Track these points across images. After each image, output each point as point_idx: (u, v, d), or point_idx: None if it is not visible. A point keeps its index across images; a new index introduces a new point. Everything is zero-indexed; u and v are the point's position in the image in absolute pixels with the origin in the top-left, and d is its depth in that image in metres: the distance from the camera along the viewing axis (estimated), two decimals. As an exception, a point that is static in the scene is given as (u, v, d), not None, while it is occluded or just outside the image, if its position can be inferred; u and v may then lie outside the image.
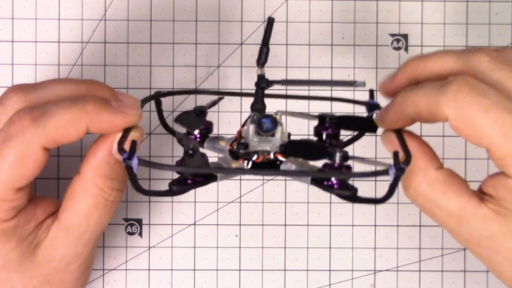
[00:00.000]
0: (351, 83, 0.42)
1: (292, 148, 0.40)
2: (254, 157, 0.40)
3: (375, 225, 0.52)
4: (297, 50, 0.52)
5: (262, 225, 0.52)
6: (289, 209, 0.52)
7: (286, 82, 0.42)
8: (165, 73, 0.52)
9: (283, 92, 0.46)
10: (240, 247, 0.52)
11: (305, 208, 0.52)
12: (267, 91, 0.42)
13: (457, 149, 0.52)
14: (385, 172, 0.36)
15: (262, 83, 0.41)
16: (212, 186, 0.41)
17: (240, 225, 0.52)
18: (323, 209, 0.52)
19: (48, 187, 0.51)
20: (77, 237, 0.42)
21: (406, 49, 0.52)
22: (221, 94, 0.45)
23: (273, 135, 0.40)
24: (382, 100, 0.43)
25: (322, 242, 0.52)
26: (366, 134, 0.45)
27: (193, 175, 0.39)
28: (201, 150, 0.40)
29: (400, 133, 0.40)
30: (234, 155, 0.41)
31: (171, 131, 0.45)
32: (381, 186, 0.51)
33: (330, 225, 0.52)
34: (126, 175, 0.41)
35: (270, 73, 0.42)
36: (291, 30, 0.52)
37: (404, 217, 0.52)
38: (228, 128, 0.51)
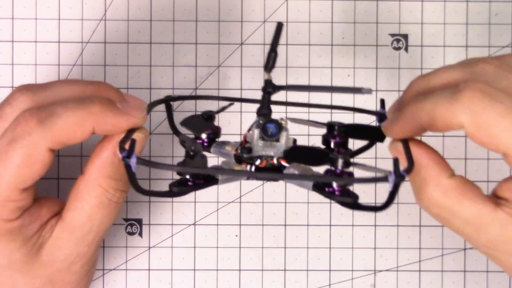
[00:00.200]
0: (358, 90, 0.41)
1: (295, 153, 0.40)
2: (258, 162, 0.40)
3: (375, 225, 0.52)
4: (297, 50, 0.52)
5: (262, 225, 0.52)
6: (289, 209, 0.52)
7: (293, 88, 0.42)
8: (165, 73, 0.52)
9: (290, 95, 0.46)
10: (240, 247, 0.52)
11: (305, 208, 0.52)
12: (274, 97, 0.42)
13: (457, 149, 0.52)
14: (384, 179, 0.36)
15: (269, 88, 0.41)
16: (212, 186, 0.41)
17: (240, 225, 0.52)
18: (323, 209, 0.52)
19: (48, 187, 0.51)
20: (81, 237, 0.42)
21: (406, 49, 0.52)
22: (231, 100, 0.45)
23: (277, 140, 0.40)
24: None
25: (322, 242, 0.52)
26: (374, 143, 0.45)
27: (194, 177, 0.39)
28: (208, 154, 0.40)
29: (406, 142, 0.39)
30: (238, 159, 0.41)
31: (178, 134, 0.45)
32: (381, 191, 0.51)
33: (330, 225, 0.52)
34: None
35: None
36: (291, 30, 0.52)
37: (404, 217, 0.52)
38: (228, 128, 0.51)
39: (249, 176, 0.41)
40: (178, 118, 0.46)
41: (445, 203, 0.38)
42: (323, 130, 0.43)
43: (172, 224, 0.52)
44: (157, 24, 0.52)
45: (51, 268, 0.42)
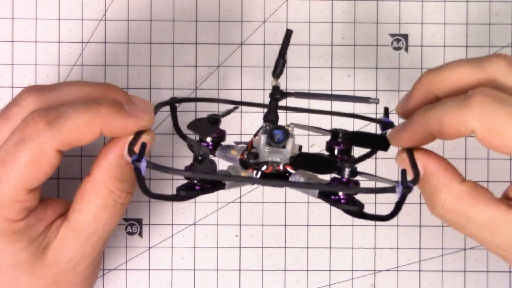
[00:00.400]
0: (365, 100, 0.41)
1: (302, 160, 0.40)
2: (264, 168, 0.40)
3: (375, 225, 0.52)
4: (297, 50, 0.52)
5: (262, 225, 0.52)
6: (289, 209, 0.52)
7: (300, 95, 0.42)
8: (165, 73, 0.52)
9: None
10: (240, 247, 0.52)
11: (305, 208, 0.52)
12: (280, 103, 0.42)
13: (457, 149, 0.52)
14: (392, 190, 0.36)
15: (277, 94, 0.41)
16: (219, 190, 0.41)
17: (240, 225, 0.52)
18: (323, 209, 0.52)
19: (48, 187, 0.51)
20: (86, 238, 0.42)
21: (406, 49, 0.52)
22: (236, 103, 0.45)
23: (284, 146, 0.40)
24: (394, 118, 0.43)
25: (322, 242, 0.52)
26: (378, 152, 0.45)
27: (201, 181, 0.39)
28: (212, 158, 0.40)
29: (411, 152, 0.39)
30: (244, 164, 0.41)
31: (184, 137, 0.45)
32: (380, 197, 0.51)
33: (330, 225, 0.52)
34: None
35: (270, 73, 0.42)
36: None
37: (404, 217, 0.52)
38: (229, 129, 0.51)
39: (259, 183, 0.41)
40: (179, 118, 0.46)
41: (459, 209, 0.38)
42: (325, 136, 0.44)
43: (172, 224, 0.52)
44: (157, 24, 0.52)
45: (56, 268, 0.42)
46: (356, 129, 0.51)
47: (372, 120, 0.46)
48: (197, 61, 0.52)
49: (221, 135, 0.44)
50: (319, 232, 0.52)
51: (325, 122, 0.51)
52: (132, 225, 0.52)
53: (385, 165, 0.52)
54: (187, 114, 0.51)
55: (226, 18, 0.52)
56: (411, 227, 0.52)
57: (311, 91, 0.51)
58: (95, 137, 0.40)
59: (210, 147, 0.43)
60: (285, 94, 0.41)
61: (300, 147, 0.41)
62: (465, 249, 0.52)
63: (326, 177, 0.41)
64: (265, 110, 0.42)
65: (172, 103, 0.44)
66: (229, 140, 0.45)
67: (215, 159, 0.41)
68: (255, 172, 0.40)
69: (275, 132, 0.40)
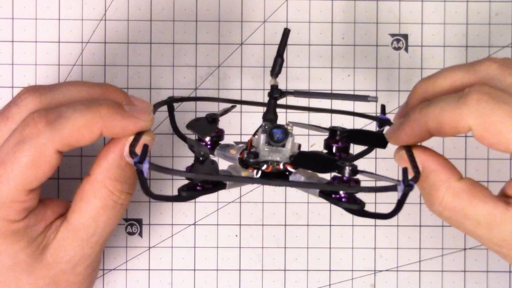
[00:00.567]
0: (364, 98, 0.41)
1: (302, 159, 0.40)
2: (264, 167, 0.40)
3: (375, 225, 0.52)
4: (297, 50, 0.52)
5: (262, 225, 0.52)
6: (289, 209, 0.52)
7: (299, 94, 0.43)
8: (165, 73, 0.52)
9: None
10: (240, 247, 0.52)
11: (305, 208, 0.52)
12: (279, 102, 0.42)
13: (457, 149, 0.52)
14: (393, 188, 0.36)
15: (275, 93, 0.41)
16: (220, 190, 0.41)
17: (240, 225, 0.52)
18: (323, 209, 0.52)
19: (48, 187, 0.51)
20: (85, 238, 0.42)
21: (406, 49, 0.52)
22: (234, 102, 0.46)
23: (283, 145, 0.40)
24: (391, 116, 0.43)
25: (322, 242, 0.52)
26: (378, 151, 0.45)
27: (203, 182, 0.39)
28: (213, 158, 0.40)
29: (409, 149, 0.40)
30: (244, 163, 0.41)
31: (183, 137, 0.45)
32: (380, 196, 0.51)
33: (330, 225, 0.52)
34: (135, 178, 0.41)
35: (269, 73, 0.42)
36: (291, 30, 0.52)
37: (404, 217, 0.52)
38: (229, 129, 0.51)
39: (260, 183, 0.41)
40: (178, 118, 0.46)
41: (457, 206, 0.38)
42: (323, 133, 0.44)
43: (172, 224, 0.52)
44: (157, 24, 0.52)
45: (55, 269, 0.42)
46: (355, 128, 0.51)
47: (369, 118, 0.46)
48: (197, 61, 0.52)
49: (220, 134, 0.44)
50: (319, 232, 0.52)
51: (324, 121, 0.51)
52: (132, 225, 0.52)
53: (385, 165, 0.52)
54: (186, 114, 0.51)
55: (226, 18, 0.52)
56: (411, 227, 0.52)
57: (309, 91, 0.51)
58: (95, 138, 0.40)
59: (208, 146, 0.43)
60: (284, 93, 0.41)
61: (300, 145, 0.41)
62: (465, 249, 0.52)
63: (327, 176, 0.41)
64: (265, 109, 0.42)
65: (170, 102, 0.44)
66: (228, 140, 0.45)
67: (214, 158, 0.41)
68: (255, 171, 0.40)
69: (274, 131, 0.40)
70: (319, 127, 0.45)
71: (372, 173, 0.40)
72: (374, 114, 0.46)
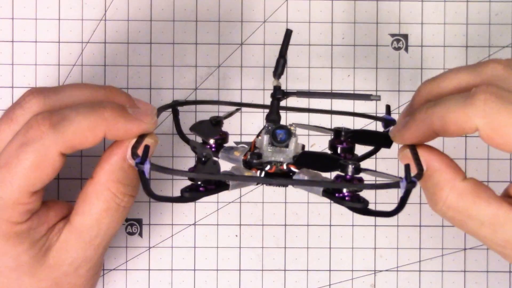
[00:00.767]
0: (366, 97, 0.41)
1: (305, 159, 0.40)
2: (267, 168, 0.40)
3: (375, 225, 0.52)
4: (297, 50, 0.52)
5: (262, 225, 0.52)
6: (289, 209, 0.52)
7: (302, 94, 0.43)
8: (165, 73, 0.52)
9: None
10: (240, 247, 0.52)
11: (305, 208, 0.52)
12: (282, 103, 0.42)
13: (457, 149, 0.52)
14: (396, 185, 0.36)
15: (278, 94, 0.41)
16: (223, 191, 0.41)
17: (240, 225, 0.52)
18: (323, 209, 0.52)
19: (48, 186, 0.50)
20: (88, 241, 0.42)
21: (406, 49, 0.52)
22: (238, 105, 0.46)
23: (287, 146, 0.40)
24: (396, 116, 0.43)
25: (322, 242, 0.52)
26: (379, 151, 0.45)
27: (205, 182, 0.39)
28: (215, 159, 0.40)
29: (414, 148, 0.40)
30: (248, 165, 0.41)
31: (186, 140, 0.45)
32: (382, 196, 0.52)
33: (330, 225, 0.52)
34: (138, 181, 0.41)
35: (270, 73, 0.42)
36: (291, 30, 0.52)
37: (404, 217, 0.52)
38: (230, 129, 0.51)
39: (262, 182, 0.41)
40: (180, 118, 0.46)
41: (461, 206, 0.38)
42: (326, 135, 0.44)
43: (172, 224, 0.52)
44: (157, 24, 0.52)
45: (58, 271, 0.42)
46: (357, 128, 0.51)
47: (374, 118, 0.46)
48: (197, 61, 0.52)
49: (224, 136, 0.44)
50: (319, 232, 0.52)
51: (324, 122, 0.51)
52: (132, 225, 0.52)
53: (385, 165, 0.52)
54: (187, 114, 0.51)
55: (226, 18, 0.52)
56: (411, 227, 0.52)
57: (312, 91, 0.51)
58: (99, 141, 0.40)
59: (213, 149, 0.43)
60: (286, 94, 0.41)
61: (303, 146, 0.41)
62: (465, 249, 0.52)
63: (330, 176, 0.41)
64: (266, 110, 0.42)
65: (174, 106, 0.44)
66: (229, 140, 0.45)
67: (218, 160, 0.41)
68: (258, 172, 0.40)
69: (277, 132, 0.40)
70: (323, 128, 0.45)
71: (375, 171, 0.40)
72: (374, 114, 0.46)
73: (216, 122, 0.43)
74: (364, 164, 0.46)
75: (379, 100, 0.41)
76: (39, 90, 0.41)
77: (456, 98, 0.38)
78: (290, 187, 0.51)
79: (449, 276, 0.52)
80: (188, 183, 0.40)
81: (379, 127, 0.46)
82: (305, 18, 0.52)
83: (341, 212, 0.52)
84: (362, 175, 0.40)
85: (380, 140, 0.43)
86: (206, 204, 0.51)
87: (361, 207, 0.39)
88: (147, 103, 0.42)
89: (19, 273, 0.41)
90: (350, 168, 0.39)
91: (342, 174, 0.39)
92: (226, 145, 0.44)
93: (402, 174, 0.37)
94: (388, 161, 0.51)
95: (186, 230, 0.52)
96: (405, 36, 0.52)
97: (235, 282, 0.52)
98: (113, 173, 0.41)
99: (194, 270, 0.52)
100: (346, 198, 0.39)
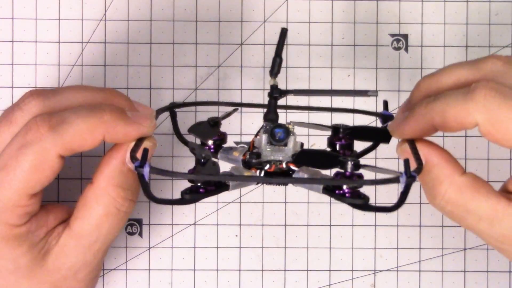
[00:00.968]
0: (364, 93, 0.42)
1: (304, 157, 0.40)
2: (267, 167, 0.40)
3: (375, 225, 0.52)
4: (297, 50, 0.52)
5: (262, 225, 0.52)
6: (289, 209, 0.52)
7: (299, 92, 0.43)
8: (165, 73, 0.52)
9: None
10: (240, 247, 0.52)
11: (305, 208, 0.52)
12: (280, 102, 0.42)
13: (457, 149, 0.52)
14: (396, 180, 0.36)
15: (275, 93, 0.41)
16: (223, 192, 0.41)
17: (240, 225, 0.52)
18: (323, 209, 0.52)
19: (48, 187, 0.51)
20: (88, 245, 0.42)
21: (406, 49, 0.52)
22: (236, 105, 0.46)
23: (285, 144, 0.40)
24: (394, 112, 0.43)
25: (322, 242, 0.52)
26: (378, 151, 0.45)
27: (205, 183, 0.39)
28: (215, 160, 0.40)
29: (413, 143, 0.40)
30: (247, 164, 0.41)
31: (185, 142, 0.45)
32: (382, 194, 0.52)
33: (330, 225, 0.52)
34: (138, 185, 0.41)
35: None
36: (291, 30, 0.52)
37: (404, 217, 0.52)
38: (229, 129, 0.51)
39: (262, 182, 0.41)
40: (178, 119, 0.46)
41: (459, 201, 0.39)
42: (325, 132, 0.44)
43: (172, 224, 0.52)
44: (157, 24, 0.52)
45: (57, 275, 0.42)
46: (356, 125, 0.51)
47: (372, 114, 0.46)
48: (197, 61, 0.52)
49: (223, 137, 0.44)
50: (319, 232, 0.52)
51: (324, 121, 0.51)
52: (132, 225, 0.52)
53: (385, 164, 0.51)
54: (187, 115, 0.51)
55: (226, 18, 0.52)
56: (411, 227, 0.52)
57: (309, 89, 0.50)
58: (98, 143, 0.40)
59: (211, 150, 0.43)
60: (283, 92, 0.41)
61: (302, 144, 0.41)
62: (465, 249, 0.52)
63: (330, 173, 0.41)
64: (265, 110, 0.42)
65: (172, 108, 0.44)
66: (229, 140, 0.45)
67: (217, 161, 0.41)
68: (258, 171, 0.40)
69: (276, 131, 0.40)
70: (321, 125, 0.45)
71: (374, 167, 0.40)
72: (374, 111, 0.46)
73: (214, 123, 0.43)
74: (363, 162, 0.46)
75: (377, 96, 0.42)
76: (38, 92, 0.41)
77: (456, 93, 0.38)
78: (290, 186, 0.51)
79: (449, 276, 0.52)
80: (188, 184, 0.40)
81: (378, 124, 0.46)
82: (305, 18, 0.52)
83: (341, 212, 0.52)
84: (361, 171, 0.40)
85: (378, 136, 0.43)
86: (206, 204, 0.51)
87: (361, 203, 0.39)
88: (146, 106, 0.43)
89: (17, 275, 0.41)
90: (349, 165, 0.39)
91: (342, 171, 0.39)
92: (225, 145, 0.44)
93: (401, 171, 0.37)
94: (388, 161, 0.51)
95: (186, 230, 0.52)
96: (405, 36, 0.52)
97: (235, 282, 0.52)
98: (113, 177, 0.41)
99: (194, 270, 0.52)
100: (347, 194, 0.39)
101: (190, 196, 0.39)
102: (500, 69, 0.38)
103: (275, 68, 0.41)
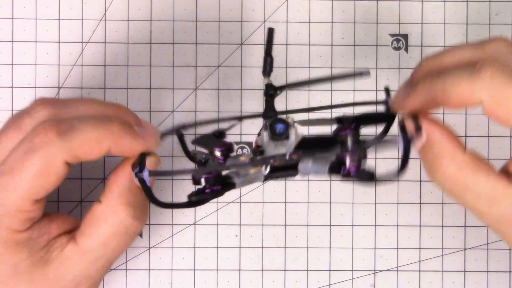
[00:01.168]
0: (357, 75, 0.42)
1: (305, 145, 0.40)
2: (271, 162, 0.40)
3: (375, 225, 0.52)
4: (297, 50, 0.52)
5: (262, 225, 0.52)
6: (289, 209, 0.52)
7: (293, 85, 0.43)
8: (165, 73, 0.52)
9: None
10: (240, 247, 0.52)
11: (305, 208, 0.52)
12: (277, 103, 0.42)
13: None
14: (394, 141, 0.37)
15: (270, 91, 0.41)
16: (230, 190, 0.41)
17: (240, 225, 0.52)
18: (323, 209, 0.52)
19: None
20: (92, 261, 0.42)
21: (406, 49, 0.52)
22: (235, 118, 0.46)
23: (287, 137, 0.40)
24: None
25: (322, 242, 0.52)
26: (378, 152, 0.45)
27: (210, 184, 0.39)
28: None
29: (413, 116, 0.39)
30: (253, 164, 0.41)
31: (194, 159, 0.46)
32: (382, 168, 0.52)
33: (330, 225, 0.52)
34: (148, 204, 0.41)
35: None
36: (291, 30, 0.52)
37: (404, 217, 0.52)
38: (229, 130, 0.51)
39: (262, 163, 0.41)
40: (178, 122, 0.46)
41: (460, 178, 0.39)
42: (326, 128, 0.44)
43: (172, 224, 0.52)
44: (157, 24, 0.52)
45: (57, 285, 0.41)
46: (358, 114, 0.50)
47: (374, 103, 0.45)
48: (197, 61, 0.52)
49: (229, 147, 0.44)
50: (319, 232, 0.52)
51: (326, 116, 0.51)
52: (132, 225, 0.52)
53: (385, 165, 0.52)
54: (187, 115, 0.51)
55: (226, 18, 0.52)
56: (411, 227, 0.52)
57: (301, 81, 0.50)
58: (103, 154, 0.40)
59: (221, 160, 0.43)
60: (279, 88, 0.42)
61: (304, 136, 0.41)
62: (465, 249, 0.52)
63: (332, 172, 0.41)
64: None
65: (178, 132, 0.44)
66: (229, 139, 0.45)
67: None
68: (264, 167, 0.40)
69: (275, 126, 0.40)
70: (325, 119, 0.45)
71: (374, 137, 0.41)
72: (375, 101, 0.46)
73: (219, 133, 0.44)
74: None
75: (369, 75, 0.42)
76: (49, 100, 0.41)
77: (461, 71, 0.37)
78: (290, 186, 0.51)
79: (449, 276, 0.52)
80: (188, 187, 0.40)
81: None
82: (305, 18, 0.52)
83: (341, 212, 0.52)
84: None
85: (382, 118, 0.43)
86: (206, 204, 0.51)
87: (367, 177, 0.39)
88: (152, 126, 0.43)
89: (17, 280, 0.41)
90: (349, 139, 0.39)
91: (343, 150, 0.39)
92: (232, 154, 0.44)
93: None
94: (388, 161, 0.51)
95: (186, 230, 0.52)
96: (405, 36, 0.52)
97: (235, 282, 0.52)
98: (122, 196, 0.41)
99: (194, 270, 0.52)
100: (352, 172, 0.39)
101: (197, 198, 0.39)
102: (504, 50, 0.38)
103: (267, 67, 0.41)
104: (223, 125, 0.44)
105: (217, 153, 0.43)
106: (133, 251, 0.51)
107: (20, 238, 0.40)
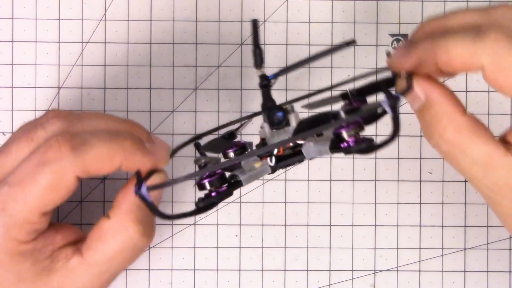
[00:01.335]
0: (343, 45, 0.41)
1: (302, 126, 0.40)
2: (275, 151, 0.40)
3: (375, 225, 0.52)
4: (297, 50, 0.52)
5: (262, 225, 0.52)
6: (289, 209, 0.52)
7: (285, 70, 0.42)
8: (165, 73, 0.52)
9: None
10: (240, 247, 0.52)
11: (305, 208, 0.52)
12: (279, 97, 0.42)
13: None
14: (379, 105, 0.36)
15: (264, 81, 0.41)
16: (237, 189, 0.41)
17: (240, 225, 0.52)
18: (323, 209, 0.52)
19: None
20: (97, 275, 0.41)
21: (406, 49, 0.52)
22: (238, 121, 0.46)
23: (288, 124, 0.40)
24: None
25: (322, 242, 0.52)
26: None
27: (216, 186, 0.39)
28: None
29: (410, 74, 0.39)
30: (259, 157, 0.41)
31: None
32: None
33: (330, 225, 0.52)
34: (155, 219, 0.41)
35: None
36: (291, 30, 0.52)
37: (404, 217, 0.52)
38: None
39: (266, 150, 0.41)
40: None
41: (457, 140, 0.37)
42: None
43: (172, 224, 0.52)
44: (157, 24, 0.52)
45: None
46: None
47: (376, 72, 0.45)
48: (197, 61, 0.52)
49: (242, 147, 0.44)
50: (319, 232, 0.52)
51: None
52: (132, 225, 0.51)
53: (385, 164, 0.52)
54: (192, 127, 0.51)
55: (226, 18, 0.52)
56: (411, 227, 0.52)
57: (293, 63, 0.49)
58: (114, 169, 0.40)
59: (236, 162, 0.43)
60: (272, 77, 0.42)
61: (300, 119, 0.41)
62: (465, 249, 0.52)
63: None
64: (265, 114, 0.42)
65: (195, 142, 0.45)
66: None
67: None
68: (269, 158, 0.40)
69: (274, 114, 0.40)
70: (330, 98, 0.44)
71: (363, 107, 0.41)
72: (375, 68, 0.45)
73: (229, 135, 0.44)
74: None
75: (355, 42, 0.41)
76: (63, 113, 0.41)
77: (465, 33, 0.36)
78: (290, 185, 0.51)
79: (449, 276, 0.52)
80: (188, 187, 0.40)
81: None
82: (305, 18, 0.52)
83: (341, 212, 0.52)
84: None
85: (383, 83, 0.42)
86: (206, 204, 0.51)
87: (366, 147, 0.38)
88: (163, 142, 0.43)
89: (21, 287, 0.41)
90: (341, 112, 0.40)
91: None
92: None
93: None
94: (388, 161, 0.51)
95: (186, 230, 0.52)
96: (405, 36, 0.52)
97: (235, 282, 0.52)
98: (131, 212, 0.41)
99: (194, 270, 0.52)
100: (351, 144, 0.39)
101: (205, 202, 0.39)
102: (510, 17, 0.37)
103: (257, 59, 0.41)
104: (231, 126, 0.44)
105: (231, 155, 0.43)
106: (133, 251, 0.52)
107: (25, 249, 0.40)
